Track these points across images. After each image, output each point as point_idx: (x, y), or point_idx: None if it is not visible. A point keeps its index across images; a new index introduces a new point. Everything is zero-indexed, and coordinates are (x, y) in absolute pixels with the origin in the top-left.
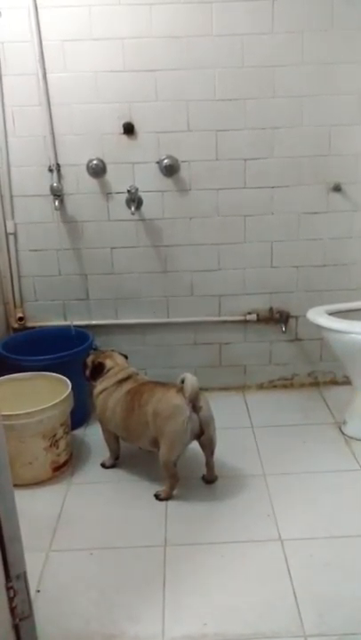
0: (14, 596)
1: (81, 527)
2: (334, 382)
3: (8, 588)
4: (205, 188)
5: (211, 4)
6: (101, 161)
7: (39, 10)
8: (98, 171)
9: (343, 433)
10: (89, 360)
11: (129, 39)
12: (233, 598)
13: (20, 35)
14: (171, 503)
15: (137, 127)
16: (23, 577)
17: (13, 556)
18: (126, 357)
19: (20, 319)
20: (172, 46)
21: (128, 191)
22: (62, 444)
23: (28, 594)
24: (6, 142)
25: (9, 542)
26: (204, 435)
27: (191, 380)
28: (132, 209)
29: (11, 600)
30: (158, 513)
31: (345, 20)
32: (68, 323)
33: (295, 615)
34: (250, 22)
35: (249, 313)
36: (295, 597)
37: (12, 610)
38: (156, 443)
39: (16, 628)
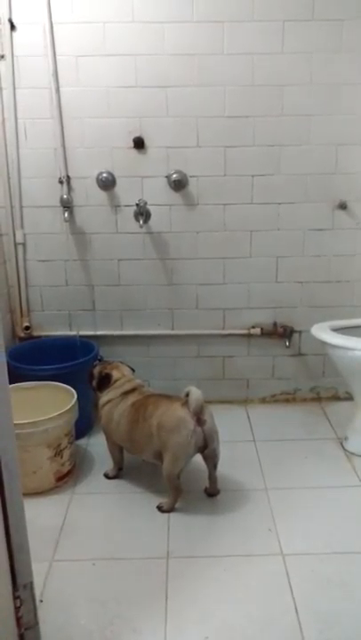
0: (20, 605)
1: (84, 537)
2: (336, 398)
3: (15, 598)
4: (213, 203)
5: (222, 24)
6: (111, 174)
7: (54, 25)
8: (107, 184)
9: (345, 449)
10: (96, 371)
11: (141, 56)
12: (234, 612)
13: (35, 49)
14: (173, 515)
15: (147, 142)
16: (30, 587)
17: (21, 565)
18: (133, 370)
19: (27, 328)
20: (183, 63)
21: (137, 204)
22: (66, 453)
23: (34, 604)
24: (18, 154)
25: (17, 551)
26: (207, 448)
27: (196, 394)
28: (141, 222)
29: (17, 610)
30: (161, 525)
31: (354, 43)
32: (73, 333)
33: (296, 630)
34: (261, 42)
35: (253, 327)
36: (296, 612)
37: (18, 619)
38: (159, 455)
39: (21, 638)
